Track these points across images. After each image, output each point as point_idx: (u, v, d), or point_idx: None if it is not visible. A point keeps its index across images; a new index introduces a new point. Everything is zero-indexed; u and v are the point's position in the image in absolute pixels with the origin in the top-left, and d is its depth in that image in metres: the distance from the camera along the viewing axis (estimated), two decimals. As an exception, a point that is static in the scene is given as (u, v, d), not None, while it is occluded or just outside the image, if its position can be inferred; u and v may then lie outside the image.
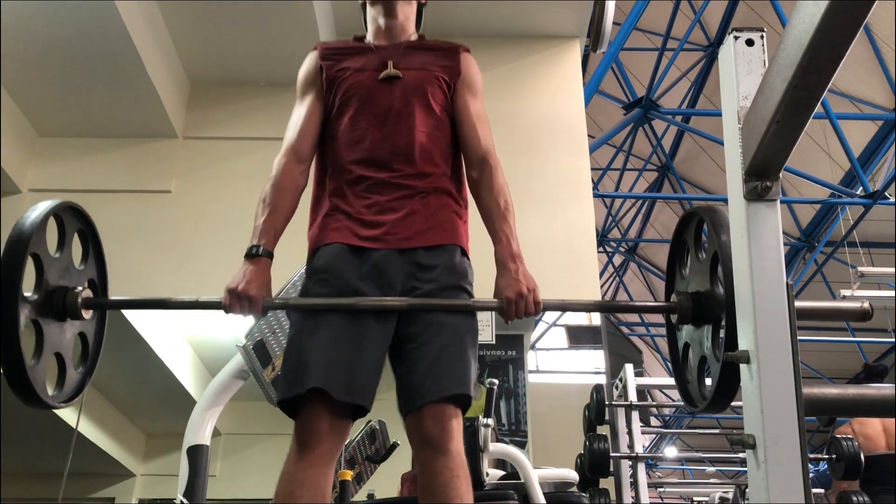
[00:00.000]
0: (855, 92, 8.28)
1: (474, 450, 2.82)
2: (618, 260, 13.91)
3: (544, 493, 2.99)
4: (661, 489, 8.66)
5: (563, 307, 2.38)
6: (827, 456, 3.64)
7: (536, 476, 3.00)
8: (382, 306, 1.60)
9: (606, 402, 4.52)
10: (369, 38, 1.87)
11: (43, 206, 1.50)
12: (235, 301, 1.55)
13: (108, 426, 6.74)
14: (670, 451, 14.36)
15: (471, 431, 2.79)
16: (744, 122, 1.26)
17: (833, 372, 11.76)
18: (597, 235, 6.38)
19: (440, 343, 1.58)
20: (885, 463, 3.84)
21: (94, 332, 1.67)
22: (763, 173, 1.22)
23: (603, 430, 4.54)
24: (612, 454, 4.19)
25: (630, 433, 4.41)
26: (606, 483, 4.49)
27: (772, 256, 1.22)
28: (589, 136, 5.52)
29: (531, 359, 11.41)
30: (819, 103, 1.11)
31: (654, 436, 14.50)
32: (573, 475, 3.49)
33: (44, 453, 6.40)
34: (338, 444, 1.57)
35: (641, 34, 9.07)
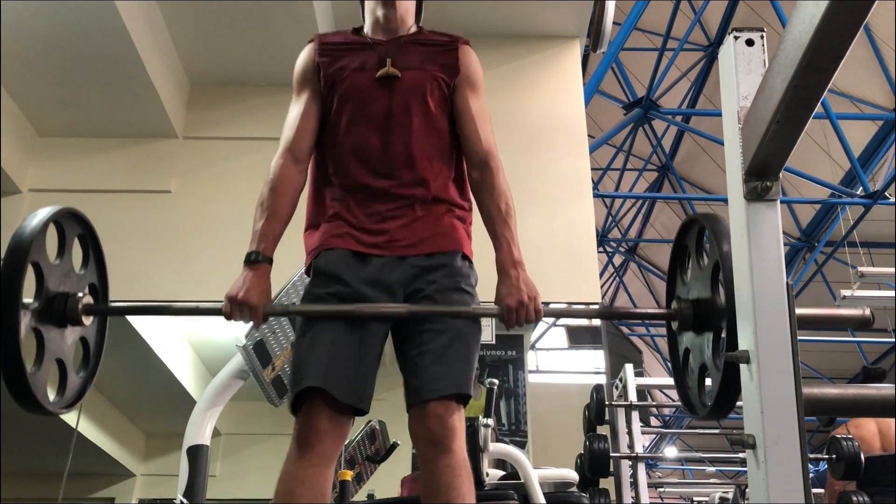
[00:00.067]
0: (855, 92, 8.27)
1: (474, 450, 2.83)
2: (618, 260, 13.91)
3: (544, 493, 2.99)
4: (661, 489, 8.66)
5: (565, 314, 2.38)
6: (827, 456, 3.65)
7: (536, 476, 3.00)
8: (383, 313, 1.62)
9: (606, 402, 4.52)
10: (367, 30, 1.82)
11: (43, 213, 1.49)
12: (236, 309, 1.56)
13: (108, 426, 6.74)
14: (670, 451, 14.37)
15: (471, 431, 2.79)
16: (744, 122, 1.26)
17: (833, 372, 11.76)
18: (597, 235, 6.38)
19: (442, 343, 1.59)
20: (880, 464, 3.85)
21: (95, 337, 1.67)
22: (763, 173, 1.22)
23: (603, 430, 4.54)
24: (612, 454, 4.19)
25: (630, 433, 4.41)
26: (606, 483, 4.49)
27: (772, 256, 1.22)
28: (589, 136, 5.52)
29: (531, 359, 11.40)
30: (819, 103, 1.11)
31: (654, 436, 14.51)
32: (573, 475, 3.49)
33: (44, 453, 6.40)
34: (338, 444, 1.57)
35: (641, 34, 9.07)
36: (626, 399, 4.52)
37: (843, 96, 8.29)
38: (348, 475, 3.20)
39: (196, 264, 4.53)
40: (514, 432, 7.01)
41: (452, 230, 1.73)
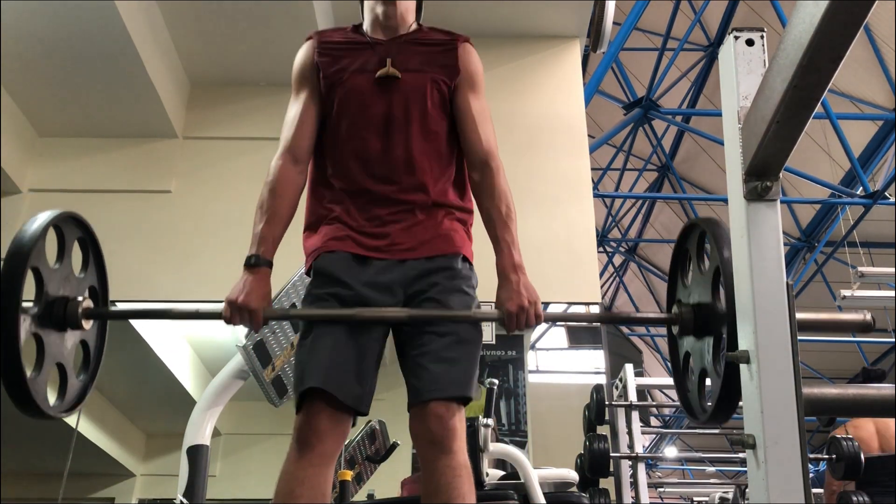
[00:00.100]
0: (855, 92, 8.27)
1: (474, 450, 2.83)
2: (618, 260, 13.92)
3: (544, 493, 2.99)
4: (661, 489, 8.67)
5: (565, 319, 2.38)
6: (827, 456, 3.65)
7: (536, 476, 3.00)
8: (383, 318, 1.62)
9: (606, 402, 4.52)
10: (367, 27, 1.81)
11: (42, 218, 1.48)
12: (236, 313, 1.56)
13: (108, 426, 6.74)
14: (670, 451, 14.37)
15: (471, 431, 2.79)
16: (744, 122, 1.26)
17: (833, 372, 11.76)
18: (597, 235, 6.38)
19: (443, 344, 1.60)
20: (879, 465, 3.85)
21: (95, 340, 1.66)
22: (763, 173, 1.22)
23: (603, 430, 4.54)
24: (612, 454, 4.20)
25: (630, 433, 4.41)
26: (606, 483, 4.49)
27: (772, 256, 1.22)
28: (589, 136, 5.52)
29: (531, 359, 11.41)
30: (819, 103, 1.11)
31: (654, 436, 14.52)
32: (573, 475, 3.49)
33: (44, 453, 6.40)
34: (338, 444, 1.57)
35: (641, 34, 9.06)
36: (626, 399, 4.52)
37: (843, 96, 8.28)
38: (348, 475, 3.20)
39: (196, 264, 4.53)
40: (514, 432, 7.01)
41: (452, 233, 1.72)
